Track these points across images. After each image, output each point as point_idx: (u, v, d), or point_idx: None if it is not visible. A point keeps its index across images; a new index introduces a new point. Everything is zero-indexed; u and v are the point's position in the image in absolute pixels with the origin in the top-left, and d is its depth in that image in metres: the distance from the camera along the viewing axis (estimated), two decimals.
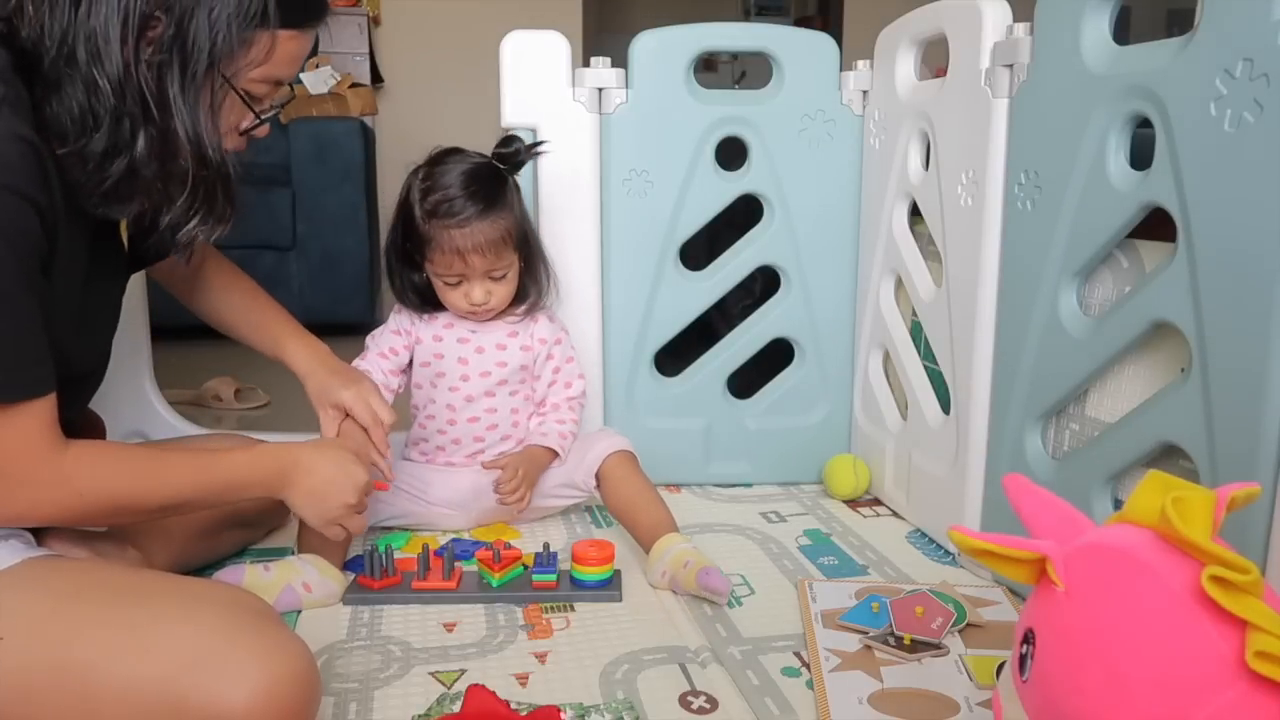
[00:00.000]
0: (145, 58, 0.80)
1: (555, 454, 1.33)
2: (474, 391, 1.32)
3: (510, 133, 1.32)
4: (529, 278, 1.31)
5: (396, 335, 1.33)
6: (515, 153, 1.27)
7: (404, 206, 1.26)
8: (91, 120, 0.80)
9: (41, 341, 0.80)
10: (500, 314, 1.31)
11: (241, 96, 0.88)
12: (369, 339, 1.35)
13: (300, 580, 1.09)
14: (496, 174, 1.26)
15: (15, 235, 0.76)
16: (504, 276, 1.27)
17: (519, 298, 1.31)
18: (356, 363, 1.31)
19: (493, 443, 1.34)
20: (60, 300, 0.85)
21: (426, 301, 1.31)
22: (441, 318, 1.32)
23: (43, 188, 0.78)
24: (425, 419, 1.34)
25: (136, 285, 1.40)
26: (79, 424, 1.04)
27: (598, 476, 1.31)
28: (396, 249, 1.29)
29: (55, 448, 0.81)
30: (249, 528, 1.25)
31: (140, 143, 0.81)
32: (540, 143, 1.31)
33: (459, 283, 1.26)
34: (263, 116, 0.92)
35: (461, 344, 1.31)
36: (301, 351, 1.19)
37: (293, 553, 1.15)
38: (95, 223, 0.89)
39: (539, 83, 1.39)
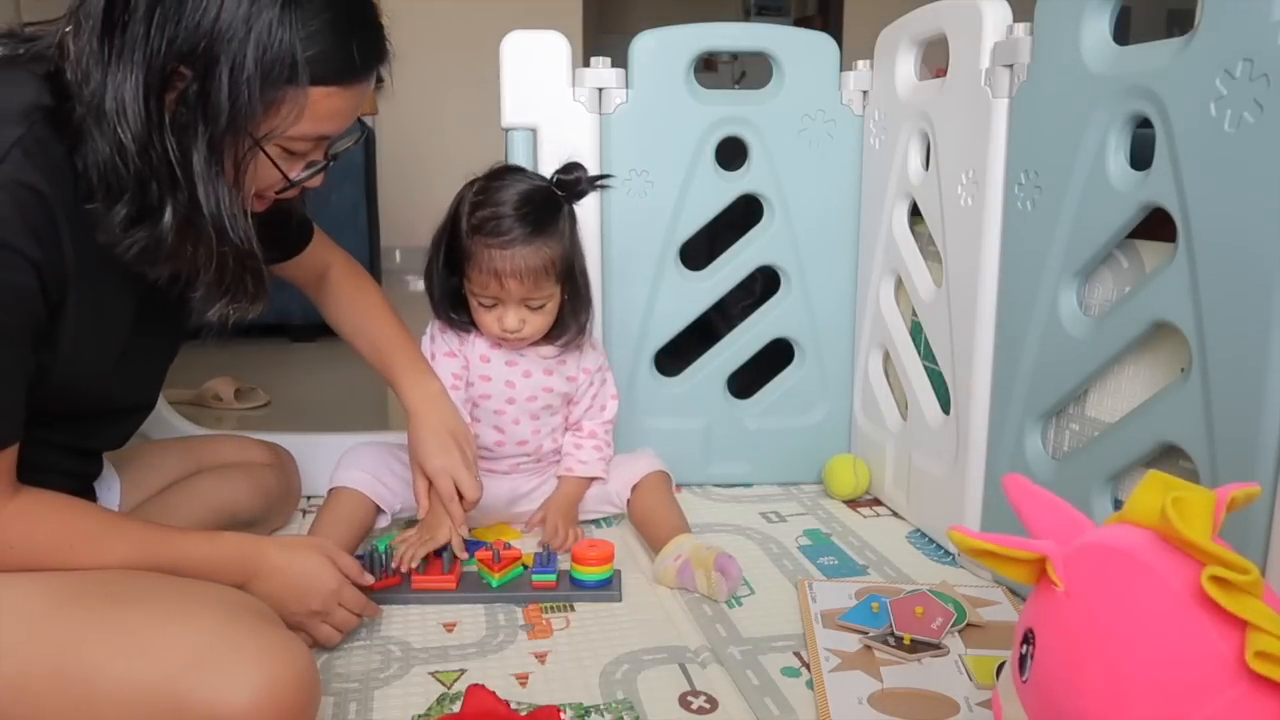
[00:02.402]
0: (168, 120, 0.76)
1: (595, 478, 1.34)
2: (520, 415, 1.31)
3: (574, 159, 1.25)
4: (569, 312, 1.26)
5: (451, 358, 1.28)
6: (576, 181, 1.22)
7: (453, 217, 1.22)
8: (116, 181, 0.76)
9: (11, 396, 0.77)
10: (535, 343, 1.28)
11: (272, 159, 0.82)
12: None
13: None
14: (552, 199, 1.21)
15: None
16: (542, 307, 1.22)
17: (557, 330, 1.27)
18: None
19: (536, 457, 1.35)
20: (91, 345, 0.83)
21: (465, 313, 1.27)
22: (485, 337, 1.28)
23: (41, 240, 0.75)
24: None
25: None
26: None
27: (630, 491, 1.32)
28: (440, 259, 1.24)
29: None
30: (249, 528, 1.25)
31: (167, 214, 0.77)
32: (605, 175, 1.27)
33: (494, 305, 1.22)
34: (301, 175, 0.86)
35: (510, 367, 1.29)
36: (413, 393, 1.15)
37: None
38: None
39: (539, 83, 1.39)
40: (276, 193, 0.87)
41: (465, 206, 1.21)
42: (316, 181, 0.90)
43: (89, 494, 1.02)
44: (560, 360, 1.31)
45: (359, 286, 1.21)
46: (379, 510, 1.24)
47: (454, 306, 1.27)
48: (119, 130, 0.74)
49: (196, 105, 0.76)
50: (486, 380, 1.29)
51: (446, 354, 1.28)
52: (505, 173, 1.24)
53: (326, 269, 1.19)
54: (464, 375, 1.29)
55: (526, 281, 1.19)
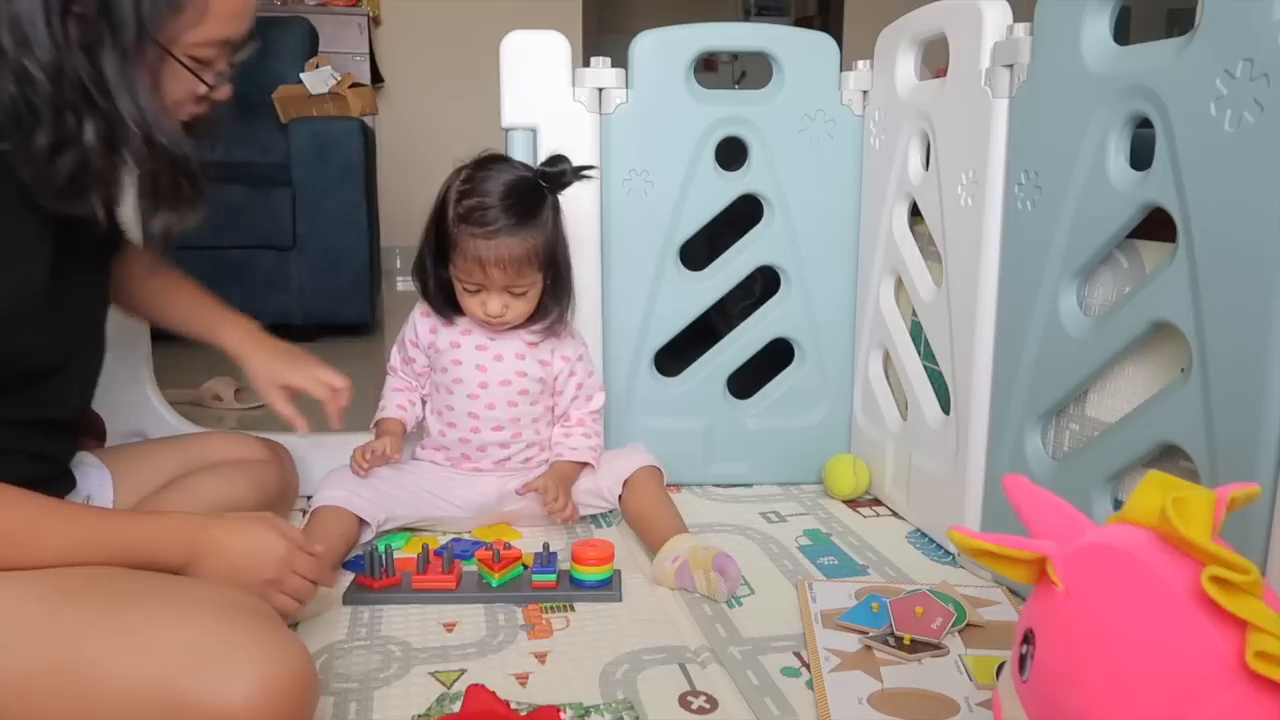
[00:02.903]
0: (75, 39, 0.76)
1: (585, 465, 1.35)
2: (495, 400, 1.31)
3: (560, 154, 1.28)
4: (551, 297, 1.29)
5: (414, 346, 1.34)
6: (562, 173, 1.25)
7: (440, 204, 1.25)
8: (29, 112, 0.76)
9: None
10: (516, 327, 1.30)
11: (184, 64, 0.82)
12: (394, 356, 1.37)
13: None
14: (537, 190, 1.24)
15: None
16: (524, 294, 1.26)
17: (539, 315, 1.30)
18: (388, 390, 1.37)
19: (518, 449, 1.35)
20: (14, 299, 0.82)
21: (450, 302, 1.30)
22: (460, 323, 1.31)
23: None
24: (446, 426, 1.33)
25: None
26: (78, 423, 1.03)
27: (622, 486, 1.33)
28: (429, 246, 1.28)
29: None
30: None
31: (88, 133, 0.77)
32: (589, 166, 1.28)
33: (477, 291, 1.25)
34: (215, 81, 0.86)
35: (480, 351, 1.31)
36: (235, 333, 1.16)
37: None
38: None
39: (539, 83, 1.39)
40: (197, 100, 0.87)
41: (452, 194, 1.24)
42: (225, 92, 0.89)
43: (65, 479, 1.01)
44: (532, 344, 1.32)
45: (154, 259, 1.16)
46: (362, 523, 1.25)
47: (441, 292, 1.30)
48: (24, 61, 0.74)
49: (100, 20, 0.76)
50: (458, 364, 1.31)
51: (411, 342, 1.34)
52: (492, 162, 1.26)
53: (137, 261, 1.16)
54: (416, 358, 1.35)
55: (510, 270, 1.22)
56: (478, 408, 1.32)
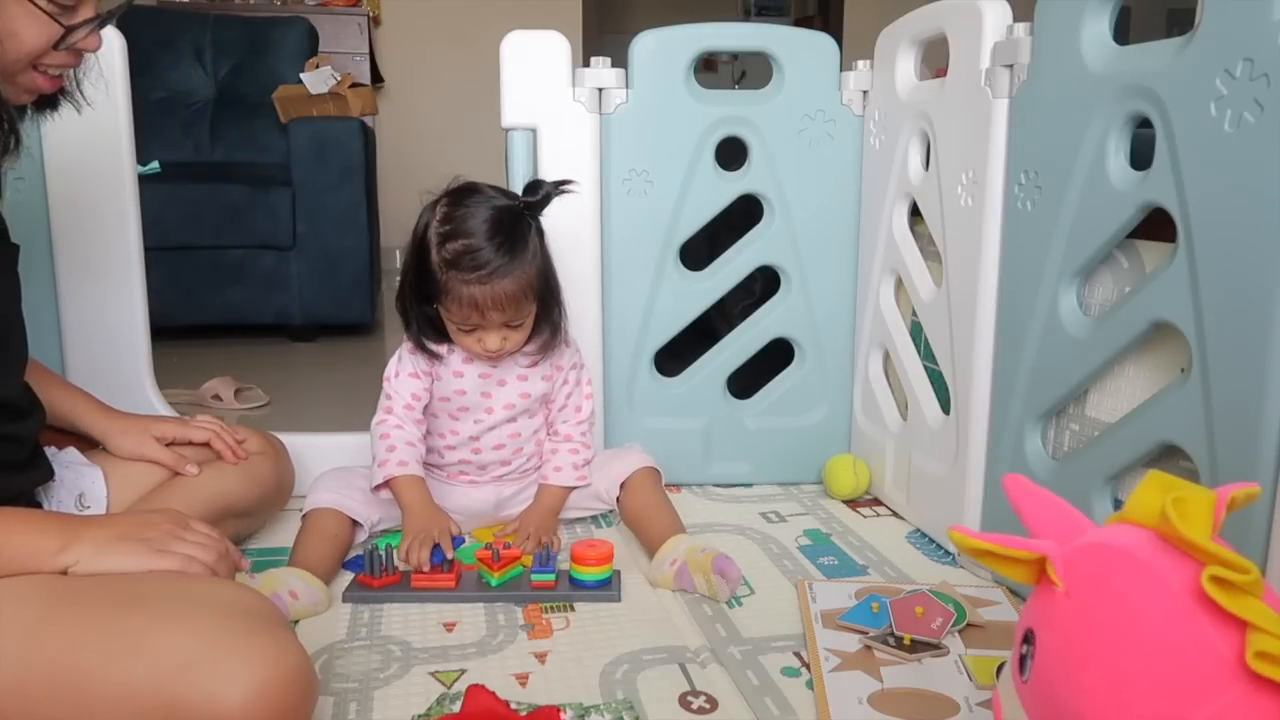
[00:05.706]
0: None
1: (571, 489, 1.34)
2: (499, 422, 1.31)
3: (536, 178, 1.25)
4: (545, 318, 1.26)
5: (415, 379, 1.27)
6: (545, 198, 1.21)
7: (420, 245, 1.19)
8: None
9: None
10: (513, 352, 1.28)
11: (40, 6, 0.80)
12: (388, 386, 1.28)
13: (286, 589, 1.07)
14: (520, 219, 1.19)
15: None
16: (521, 324, 1.22)
17: (534, 336, 1.26)
18: (383, 418, 1.27)
19: (519, 463, 1.34)
20: None
21: (442, 337, 1.26)
22: (458, 352, 1.27)
23: None
24: (445, 448, 1.32)
25: (135, 285, 1.40)
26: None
27: (620, 488, 1.32)
28: (412, 287, 1.22)
29: None
30: (246, 517, 1.25)
31: None
32: (567, 181, 1.24)
33: (473, 330, 1.21)
34: (74, 24, 0.84)
35: (484, 379, 1.28)
36: (110, 417, 1.16)
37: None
38: None
39: (539, 83, 1.39)
40: (56, 46, 0.84)
41: (432, 235, 1.17)
42: (93, 42, 0.87)
43: (38, 465, 1.00)
44: (533, 363, 1.30)
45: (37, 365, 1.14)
46: (355, 524, 1.25)
47: (429, 330, 1.25)
48: None
49: None
50: (462, 394, 1.29)
51: (411, 374, 1.27)
52: (466, 196, 1.19)
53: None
54: (422, 396, 1.28)
55: (508, 310, 1.18)
56: (480, 430, 1.31)
